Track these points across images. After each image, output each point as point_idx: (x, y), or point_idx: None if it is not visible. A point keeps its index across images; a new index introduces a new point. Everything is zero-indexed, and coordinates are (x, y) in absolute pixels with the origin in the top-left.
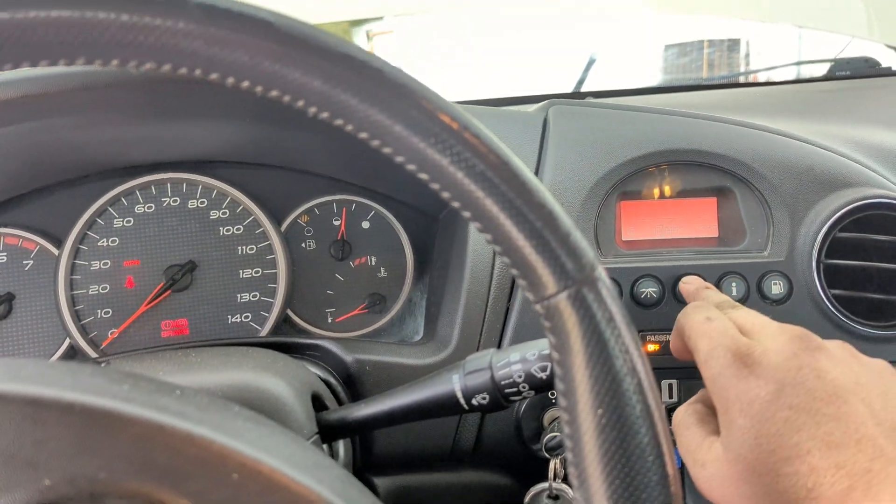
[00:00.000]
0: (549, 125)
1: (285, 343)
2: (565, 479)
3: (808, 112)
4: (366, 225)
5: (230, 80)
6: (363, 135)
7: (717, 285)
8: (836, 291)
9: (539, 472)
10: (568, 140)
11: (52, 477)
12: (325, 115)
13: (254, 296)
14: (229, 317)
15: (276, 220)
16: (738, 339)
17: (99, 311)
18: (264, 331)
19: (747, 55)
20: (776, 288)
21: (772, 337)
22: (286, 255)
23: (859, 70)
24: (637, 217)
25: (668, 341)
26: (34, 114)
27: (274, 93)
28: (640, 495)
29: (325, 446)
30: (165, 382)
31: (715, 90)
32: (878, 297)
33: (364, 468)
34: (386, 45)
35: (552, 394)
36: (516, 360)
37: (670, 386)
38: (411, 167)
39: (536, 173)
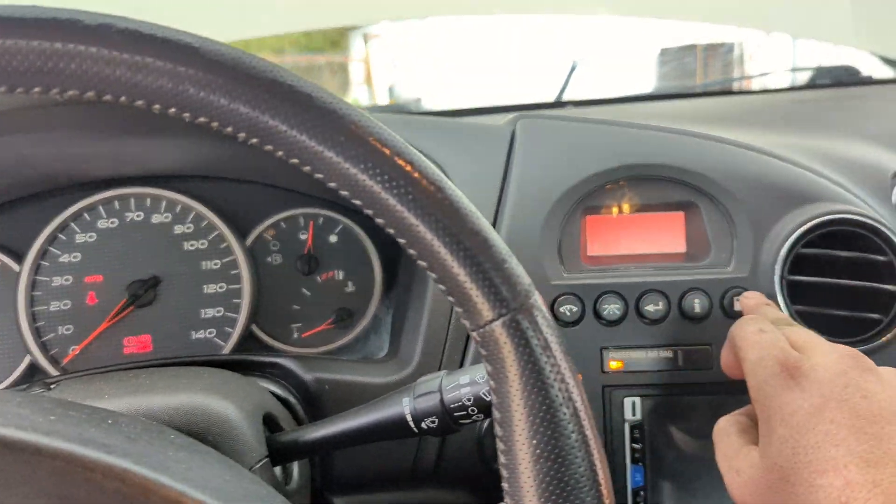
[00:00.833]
0: (516, 139)
1: (244, 361)
2: None
3: (786, 123)
4: (333, 239)
5: (156, 107)
6: (294, 161)
7: (680, 302)
8: (800, 307)
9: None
10: (534, 154)
11: None
12: (254, 140)
13: (218, 311)
14: (193, 333)
15: (241, 235)
16: (788, 352)
17: (60, 327)
18: (227, 347)
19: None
20: (738, 304)
21: (823, 354)
22: (251, 269)
23: (840, 79)
24: (603, 232)
25: (631, 358)
26: None
27: (201, 119)
28: None
29: (278, 468)
30: (99, 410)
31: (694, 98)
32: (842, 313)
33: (323, 488)
34: (381, 48)
35: None
36: (466, 384)
37: (633, 403)
38: (344, 193)
39: (502, 188)
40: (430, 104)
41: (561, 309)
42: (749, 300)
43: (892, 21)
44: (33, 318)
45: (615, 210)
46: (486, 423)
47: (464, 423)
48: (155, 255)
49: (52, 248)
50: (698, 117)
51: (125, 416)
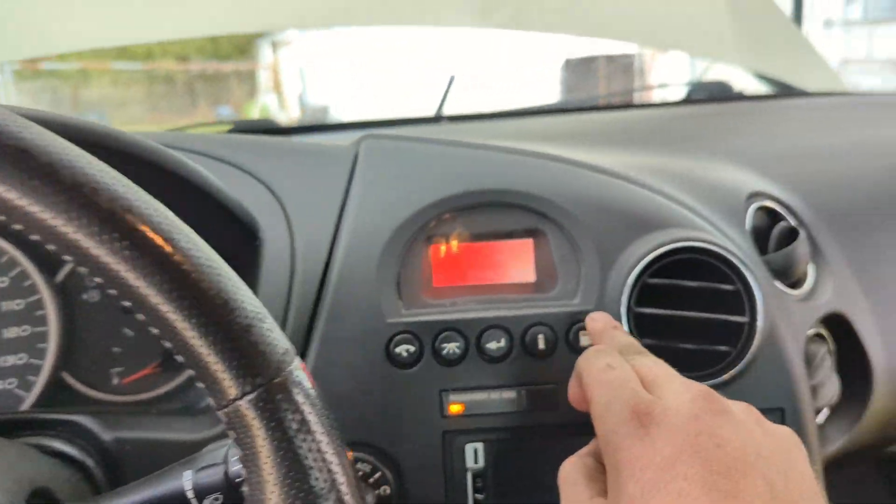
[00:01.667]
0: (358, 161)
1: (28, 420)
2: None
3: (658, 139)
4: None
5: None
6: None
7: (524, 337)
8: (649, 341)
9: None
10: (375, 179)
11: None
12: None
13: (20, 358)
14: None
15: (50, 271)
16: (639, 394)
17: None
18: (29, 400)
19: (607, 77)
20: (585, 339)
21: (675, 394)
22: (59, 310)
23: (714, 94)
24: (448, 262)
25: (473, 401)
26: None
27: None
28: None
29: None
30: None
31: (571, 114)
32: (691, 346)
33: None
34: (290, 56)
35: None
36: None
37: (475, 450)
38: (51, 247)
39: (340, 216)
40: (338, 113)
41: (397, 350)
42: (596, 322)
43: (769, 38)
44: None
45: (464, 237)
46: None
47: None
48: None
49: None
50: (562, 133)
51: None
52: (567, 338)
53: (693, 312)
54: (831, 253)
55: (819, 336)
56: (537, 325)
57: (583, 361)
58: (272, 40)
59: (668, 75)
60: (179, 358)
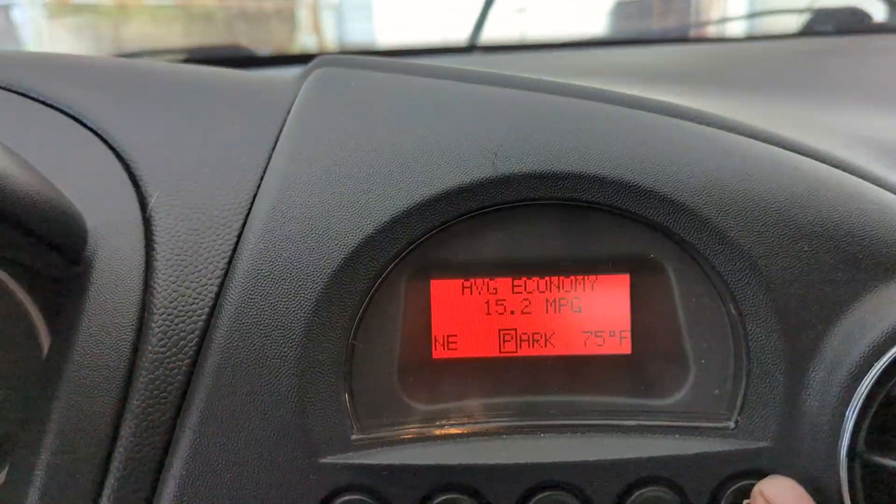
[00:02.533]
0: (295, 108)
1: None
2: None
3: (764, 84)
4: None
5: None
6: None
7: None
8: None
9: None
10: (322, 141)
11: None
12: None
13: None
14: None
15: None
16: None
17: None
18: None
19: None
20: None
21: None
22: None
23: (845, 25)
24: (453, 313)
25: None
26: None
27: None
28: None
29: None
30: None
31: (653, 46)
32: None
33: None
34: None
35: None
36: None
37: None
38: None
39: (247, 217)
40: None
41: None
42: (781, 489)
43: None
44: None
45: (474, 264)
46: None
47: None
48: None
49: None
50: (651, 69)
51: None
52: None
53: None
54: None
55: None
56: (649, 482)
57: None
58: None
59: (771, 1)
60: None
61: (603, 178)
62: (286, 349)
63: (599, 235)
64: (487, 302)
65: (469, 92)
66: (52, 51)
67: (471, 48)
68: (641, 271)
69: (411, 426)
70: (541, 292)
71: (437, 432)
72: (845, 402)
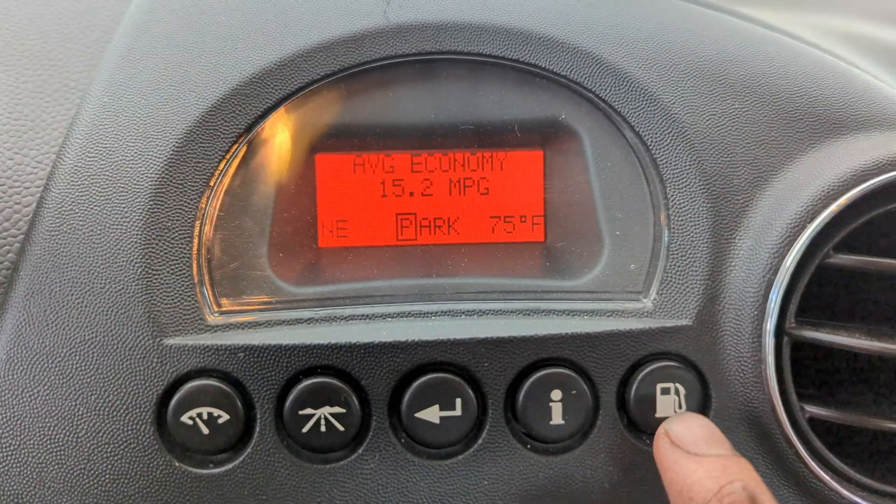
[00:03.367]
0: None
1: None
2: None
3: None
4: None
5: None
6: None
7: (512, 394)
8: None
9: None
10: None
11: None
12: None
13: None
14: None
15: None
16: None
17: None
18: None
19: None
20: (669, 400)
21: None
22: None
23: None
24: (343, 195)
25: None
26: None
27: None
28: None
29: None
30: None
31: None
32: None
33: None
34: None
35: None
36: None
37: None
38: None
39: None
40: None
41: (187, 415)
42: (688, 429)
43: None
44: None
45: (382, 141)
46: None
47: None
48: None
49: None
50: None
51: None
52: (623, 401)
53: None
54: None
55: None
56: (549, 364)
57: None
58: None
59: None
60: None
61: (508, 28)
62: (130, 213)
63: (508, 98)
64: (383, 182)
65: None
66: None
67: None
68: (555, 144)
69: (283, 310)
70: (444, 171)
71: (312, 315)
72: (774, 271)
